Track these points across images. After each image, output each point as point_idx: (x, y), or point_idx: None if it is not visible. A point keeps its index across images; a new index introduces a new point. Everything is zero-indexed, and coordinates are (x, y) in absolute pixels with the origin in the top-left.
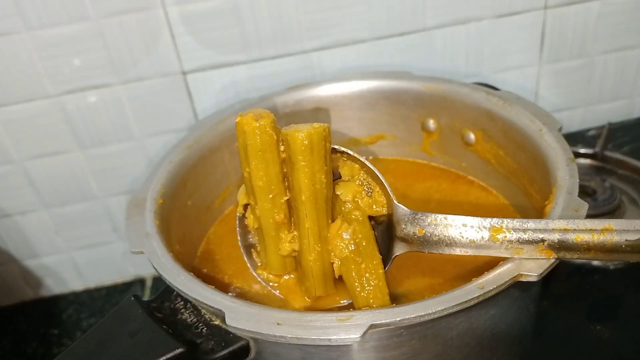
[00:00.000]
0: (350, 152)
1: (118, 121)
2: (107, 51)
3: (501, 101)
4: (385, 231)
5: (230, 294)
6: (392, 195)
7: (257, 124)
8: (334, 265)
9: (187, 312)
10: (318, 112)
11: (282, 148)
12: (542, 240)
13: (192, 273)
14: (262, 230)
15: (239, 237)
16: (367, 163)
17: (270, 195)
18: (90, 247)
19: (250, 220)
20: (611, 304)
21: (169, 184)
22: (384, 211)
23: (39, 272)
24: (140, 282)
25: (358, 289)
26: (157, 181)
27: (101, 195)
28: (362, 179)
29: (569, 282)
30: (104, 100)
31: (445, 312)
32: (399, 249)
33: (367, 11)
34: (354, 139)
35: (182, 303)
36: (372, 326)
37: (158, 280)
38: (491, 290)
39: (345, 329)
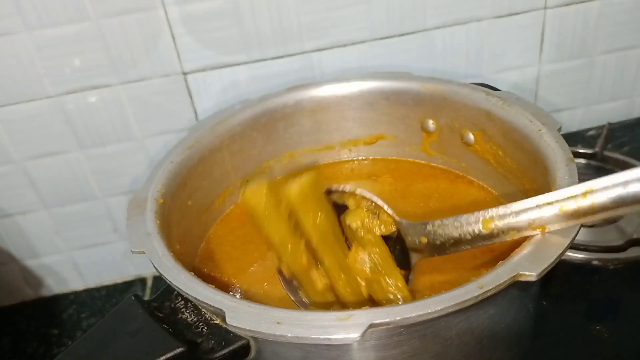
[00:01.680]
0: (344, 189)
1: (118, 121)
2: (107, 51)
3: (500, 101)
4: (401, 245)
5: (230, 293)
6: (393, 213)
7: (255, 196)
8: (362, 287)
9: (188, 311)
10: (318, 112)
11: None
12: (531, 219)
13: (192, 273)
14: (296, 275)
15: (284, 288)
16: (359, 191)
17: (289, 247)
18: (90, 247)
19: (285, 270)
20: (611, 304)
21: (169, 184)
22: (393, 229)
23: (39, 272)
24: (141, 281)
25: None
26: (158, 181)
27: (101, 195)
28: (367, 205)
29: (569, 282)
30: (104, 100)
31: (444, 312)
32: (414, 258)
33: (367, 11)
34: (354, 139)
35: (182, 302)
36: (371, 325)
37: (158, 279)
38: (490, 289)
39: (345, 329)
